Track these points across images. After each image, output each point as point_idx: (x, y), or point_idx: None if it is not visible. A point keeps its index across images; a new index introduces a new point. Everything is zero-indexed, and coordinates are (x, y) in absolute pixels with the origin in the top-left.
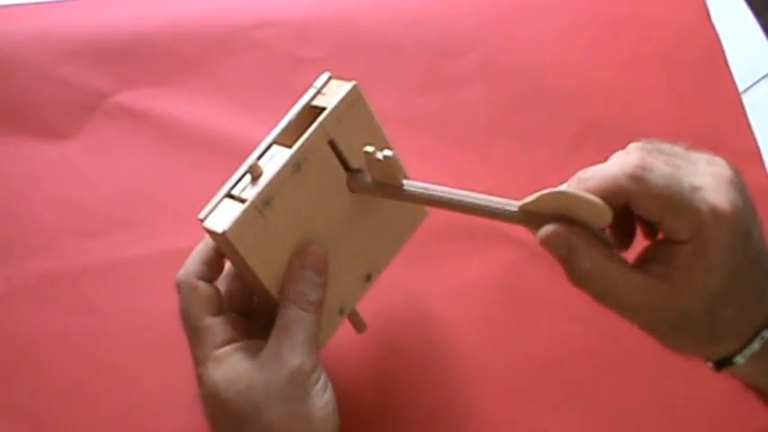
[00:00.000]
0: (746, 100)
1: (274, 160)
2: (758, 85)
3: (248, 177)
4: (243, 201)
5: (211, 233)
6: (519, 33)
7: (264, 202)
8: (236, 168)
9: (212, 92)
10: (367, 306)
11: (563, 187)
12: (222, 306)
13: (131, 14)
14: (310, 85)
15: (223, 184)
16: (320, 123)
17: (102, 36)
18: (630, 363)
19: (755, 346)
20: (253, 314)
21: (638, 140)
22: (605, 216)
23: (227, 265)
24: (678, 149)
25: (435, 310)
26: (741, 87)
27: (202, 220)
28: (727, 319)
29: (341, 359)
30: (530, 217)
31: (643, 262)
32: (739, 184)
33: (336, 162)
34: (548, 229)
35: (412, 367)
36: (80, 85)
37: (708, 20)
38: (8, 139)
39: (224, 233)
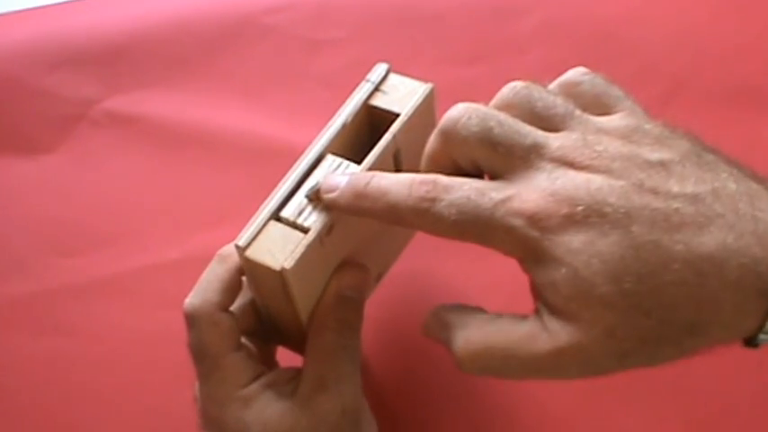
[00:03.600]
0: None
1: None
2: None
3: (302, 197)
4: (302, 228)
5: (255, 265)
6: None
7: (328, 229)
8: (242, 167)
9: (215, 87)
10: (396, 305)
11: None
12: (240, 337)
13: (117, 15)
14: (332, 70)
15: (225, 187)
16: (393, 135)
17: (86, 40)
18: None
19: None
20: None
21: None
22: None
23: None
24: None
25: None
26: None
27: (242, 249)
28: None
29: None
30: None
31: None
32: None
33: (392, 169)
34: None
35: (440, 372)
36: (64, 96)
37: None
38: None
39: (283, 271)
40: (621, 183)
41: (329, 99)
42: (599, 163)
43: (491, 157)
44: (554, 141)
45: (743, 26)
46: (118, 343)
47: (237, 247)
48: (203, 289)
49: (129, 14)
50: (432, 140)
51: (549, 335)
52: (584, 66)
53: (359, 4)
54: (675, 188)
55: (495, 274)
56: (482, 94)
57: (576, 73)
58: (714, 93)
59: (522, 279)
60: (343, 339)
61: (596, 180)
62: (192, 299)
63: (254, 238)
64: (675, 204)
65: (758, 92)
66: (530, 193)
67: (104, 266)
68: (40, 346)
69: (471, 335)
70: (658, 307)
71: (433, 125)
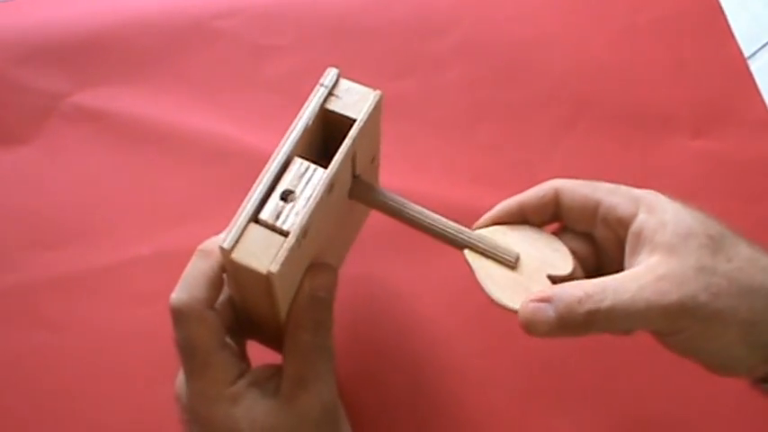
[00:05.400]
0: (753, 66)
1: (310, 182)
2: (765, 49)
3: (277, 199)
4: (281, 231)
5: (241, 267)
6: (501, 8)
7: (304, 232)
8: (204, 166)
9: (175, 87)
10: (351, 307)
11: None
12: (225, 334)
13: (85, 10)
14: (277, 75)
15: (187, 184)
16: (353, 139)
17: (56, 35)
18: (642, 357)
19: None
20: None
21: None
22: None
23: None
24: None
25: (426, 311)
26: (747, 53)
27: (228, 251)
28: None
29: None
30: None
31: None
32: None
33: (350, 172)
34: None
35: (403, 373)
36: (34, 88)
37: None
38: None
39: (269, 275)
40: None
41: (277, 103)
42: None
43: None
44: None
45: (636, 56)
46: (93, 337)
47: (222, 249)
48: (189, 285)
49: (97, 10)
50: None
51: (649, 269)
52: (501, 84)
53: (299, 14)
54: None
55: (442, 276)
56: (409, 107)
57: None
58: (612, 116)
59: (467, 280)
60: (318, 339)
61: None
62: (180, 294)
63: (236, 241)
64: None
65: (650, 117)
66: None
67: (77, 261)
68: (20, 340)
69: (585, 283)
70: (736, 257)
71: (378, 129)
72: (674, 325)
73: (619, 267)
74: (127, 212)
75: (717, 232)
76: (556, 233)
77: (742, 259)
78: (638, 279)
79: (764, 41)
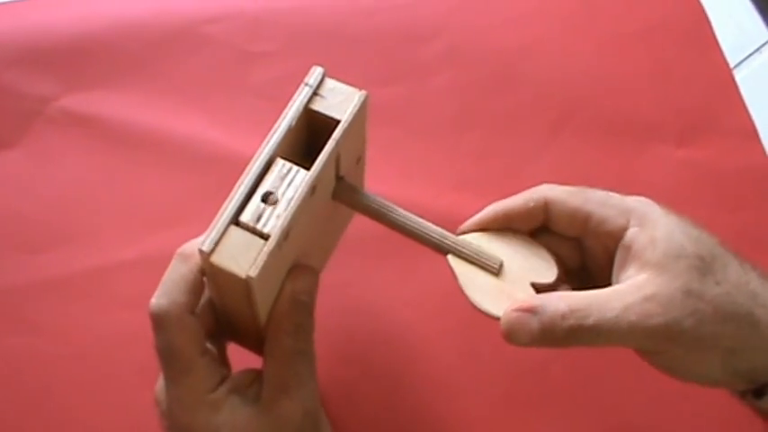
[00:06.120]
0: (738, 75)
1: (292, 184)
2: (751, 59)
3: (258, 201)
4: (262, 234)
5: (220, 271)
6: (487, 16)
7: (285, 235)
8: (190, 171)
9: (161, 92)
10: (332, 314)
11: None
12: (205, 340)
13: (73, 15)
14: (265, 80)
15: (173, 189)
16: (337, 141)
17: (44, 38)
18: (621, 363)
19: None
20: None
21: None
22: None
23: None
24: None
25: (408, 316)
26: (732, 62)
27: (207, 254)
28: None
29: None
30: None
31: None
32: None
33: (333, 174)
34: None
35: (382, 380)
36: (21, 91)
37: None
38: None
39: (248, 279)
40: None
41: (264, 108)
42: None
43: None
44: None
45: (622, 65)
46: (77, 341)
47: (201, 251)
48: (170, 289)
49: (84, 15)
50: None
51: (637, 288)
52: (487, 92)
53: (287, 21)
54: None
55: (425, 282)
56: (395, 114)
57: None
58: (598, 123)
59: (450, 286)
60: (300, 343)
61: None
62: (159, 299)
63: (216, 244)
64: None
65: (635, 125)
66: None
67: (62, 265)
68: (4, 344)
69: (570, 297)
70: (725, 280)
71: (364, 131)
72: (655, 347)
73: (604, 273)
74: (112, 216)
75: (708, 252)
76: (541, 234)
77: (731, 283)
78: (625, 298)
79: (750, 51)
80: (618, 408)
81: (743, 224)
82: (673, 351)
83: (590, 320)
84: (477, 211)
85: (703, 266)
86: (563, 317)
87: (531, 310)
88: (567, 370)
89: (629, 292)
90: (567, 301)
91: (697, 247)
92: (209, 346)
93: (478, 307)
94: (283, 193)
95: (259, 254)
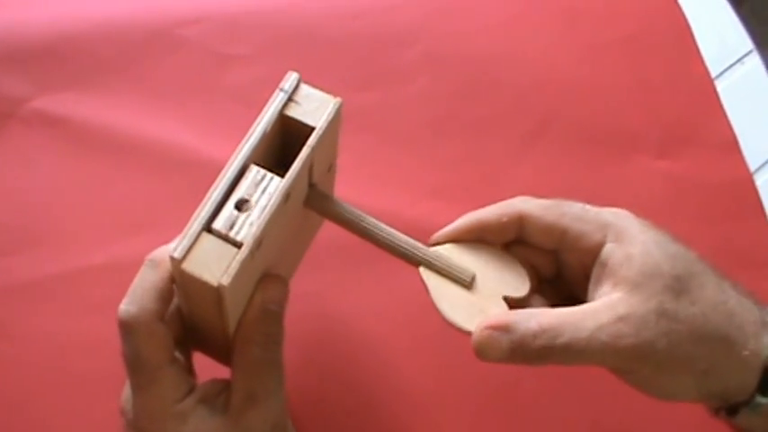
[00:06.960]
0: (720, 86)
1: (266, 191)
2: (732, 69)
3: (231, 208)
4: (234, 242)
5: (191, 278)
6: (465, 23)
7: (258, 243)
8: (163, 176)
9: (135, 94)
10: (302, 323)
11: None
12: (174, 348)
13: (46, 15)
14: (240, 84)
15: (144, 193)
16: (312, 148)
17: (17, 39)
18: (594, 379)
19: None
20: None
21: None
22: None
23: None
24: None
25: (378, 329)
26: (713, 73)
27: (179, 261)
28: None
29: None
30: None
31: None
32: None
33: (306, 181)
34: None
35: (351, 393)
36: None
37: (674, 0)
38: None
39: (220, 287)
40: None
41: (239, 112)
42: None
43: None
44: None
45: (602, 74)
46: (44, 345)
47: (173, 258)
48: (139, 296)
49: (59, 16)
50: None
51: (610, 307)
52: (464, 98)
53: (263, 23)
54: None
55: (396, 293)
56: (370, 119)
57: None
58: (577, 132)
59: (421, 298)
60: (269, 354)
61: None
62: (128, 306)
63: (188, 251)
64: None
65: (615, 135)
66: None
67: (29, 269)
68: None
69: (542, 315)
70: (701, 300)
71: (337, 138)
72: (628, 367)
73: (581, 284)
74: (82, 220)
75: (685, 270)
76: (517, 244)
77: (707, 303)
78: (597, 317)
79: (731, 62)
80: (592, 421)
81: (723, 236)
82: (645, 371)
83: (561, 340)
84: (452, 220)
85: (679, 286)
86: (534, 336)
87: (502, 329)
88: (540, 383)
89: (601, 311)
90: (538, 319)
91: (673, 264)
92: (177, 354)
93: (450, 321)
94: (257, 201)
95: (231, 262)
